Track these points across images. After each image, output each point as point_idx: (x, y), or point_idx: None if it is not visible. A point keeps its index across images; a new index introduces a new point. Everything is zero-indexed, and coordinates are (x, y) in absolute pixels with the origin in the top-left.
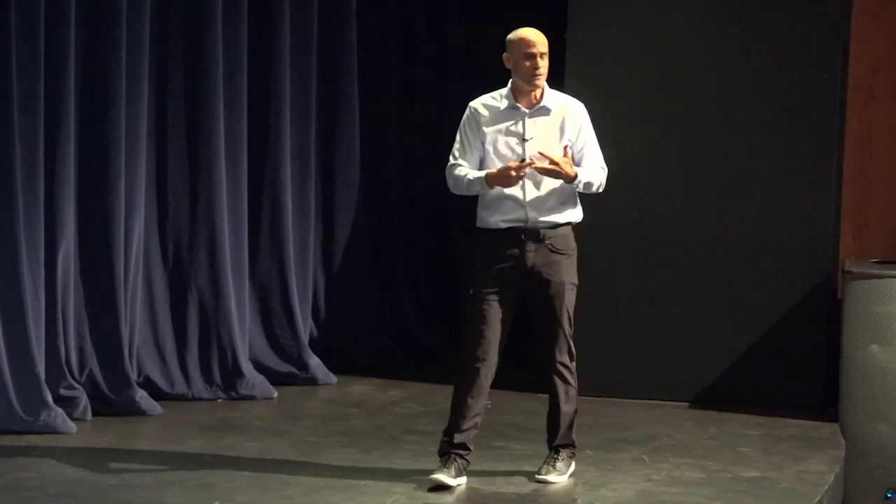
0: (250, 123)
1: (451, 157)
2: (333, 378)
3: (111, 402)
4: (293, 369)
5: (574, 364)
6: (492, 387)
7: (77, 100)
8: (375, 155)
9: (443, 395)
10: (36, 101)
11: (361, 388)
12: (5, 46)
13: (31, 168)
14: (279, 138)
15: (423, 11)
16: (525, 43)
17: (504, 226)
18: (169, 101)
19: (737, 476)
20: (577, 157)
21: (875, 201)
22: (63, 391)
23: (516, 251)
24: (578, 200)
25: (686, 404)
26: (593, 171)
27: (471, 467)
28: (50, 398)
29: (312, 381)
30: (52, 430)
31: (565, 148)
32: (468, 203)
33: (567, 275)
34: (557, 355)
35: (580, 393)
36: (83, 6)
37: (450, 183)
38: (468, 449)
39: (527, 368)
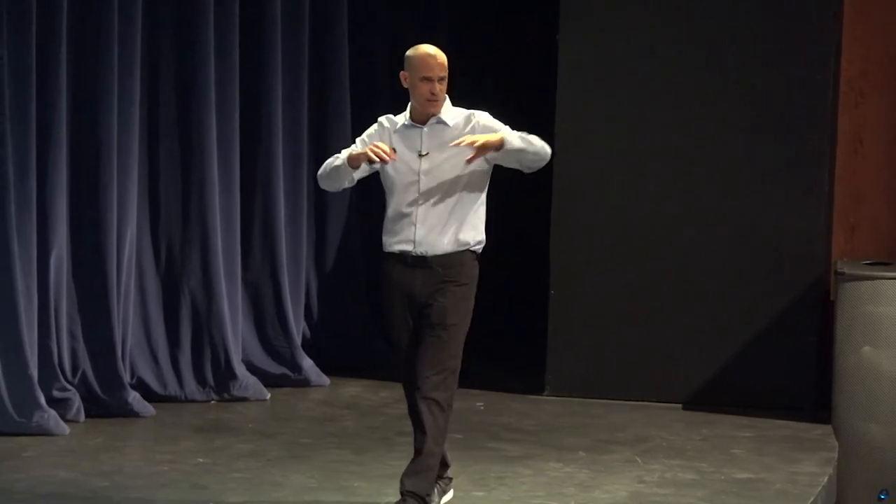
0: (242, 125)
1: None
2: (326, 379)
3: (104, 403)
4: (286, 371)
5: (447, 406)
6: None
7: (69, 103)
8: None
9: None
10: (28, 103)
11: (354, 389)
12: None
13: (23, 171)
14: (271, 140)
15: (410, 13)
16: (423, 66)
17: (397, 249)
18: (161, 103)
19: (729, 477)
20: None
21: (866, 203)
22: (56, 393)
23: (407, 276)
24: (481, 226)
25: (677, 406)
26: (519, 134)
27: (464, 469)
28: (43, 400)
29: (305, 383)
30: (44, 432)
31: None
32: None
33: (454, 304)
34: (425, 387)
35: (568, 394)
36: (73, 9)
37: (319, 175)
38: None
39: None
